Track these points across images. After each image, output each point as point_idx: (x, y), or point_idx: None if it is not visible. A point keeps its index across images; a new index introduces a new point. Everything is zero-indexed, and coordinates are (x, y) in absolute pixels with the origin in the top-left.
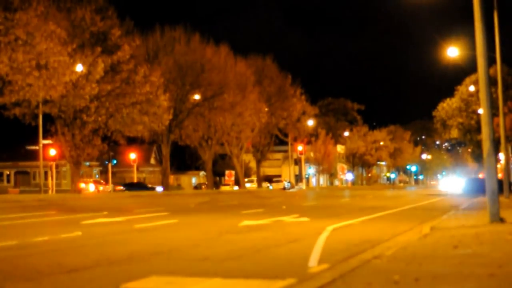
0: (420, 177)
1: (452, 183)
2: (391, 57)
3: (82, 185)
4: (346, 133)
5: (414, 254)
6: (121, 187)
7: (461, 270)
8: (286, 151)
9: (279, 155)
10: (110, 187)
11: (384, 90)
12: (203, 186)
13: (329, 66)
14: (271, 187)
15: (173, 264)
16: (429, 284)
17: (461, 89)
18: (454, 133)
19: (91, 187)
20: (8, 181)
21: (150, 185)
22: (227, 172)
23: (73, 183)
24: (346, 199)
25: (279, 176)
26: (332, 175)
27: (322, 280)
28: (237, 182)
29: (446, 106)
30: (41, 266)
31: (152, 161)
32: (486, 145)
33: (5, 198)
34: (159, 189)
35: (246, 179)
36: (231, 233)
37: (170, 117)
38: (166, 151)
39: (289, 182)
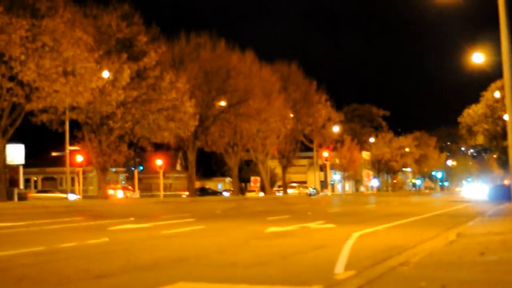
0: (446, 183)
1: (476, 190)
2: (416, 63)
3: (111, 192)
4: (372, 139)
5: (440, 261)
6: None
7: (488, 277)
8: (311, 157)
9: (304, 161)
10: (137, 193)
11: (409, 96)
12: (229, 192)
13: (354, 72)
14: (310, 192)
15: (200, 270)
16: None
17: (486, 95)
18: (480, 139)
19: (120, 194)
20: (36, 187)
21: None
22: (252, 178)
23: (100, 189)
24: (371, 205)
25: (305, 182)
26: (358, 181)
27: (349, 286)
28: (263, 188)
29: (472, 112)
30: (69, 271)
31: (178, 167)
32: None
33: (33, 204)
34: (226, 194)
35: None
36: (257, 239)
37: (196, 123)
38: (192, 157)
39: (314, 188)
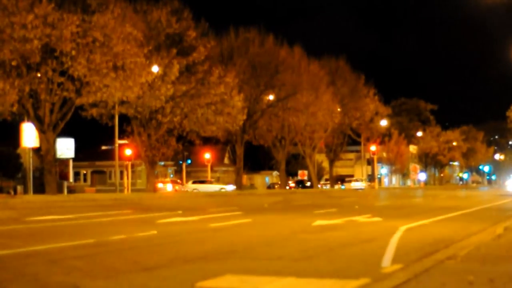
0: (493, 177)
1: None
2: (464, 57)
3: (160, 185)
4: (419, 133)
5: (488, 255)
6: (294, 185)
7: None
8: (358, 151)
9: (351, 155)
10: (185, 186)
11: (457, 90)
12: (276, 186)
13: (402, 66)
14: (361, 185)
15: (247, 263)
16: (504, 285)
17: None
18: None
19: (169, 187)
20: (85, 180)
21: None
22: (300, 172)
23: (148, 183)
24: (418, 199)
25: (352, 176)
26: (405, 175)
27: (396, 280)
28: (310, 181)
29: None
30: (118, 264)
31: (226, 160)
32: None
33: (82, 197)
34: (326, 187)
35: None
36: (304, 233)
37: (244, 117)
38: (240, 151)
39: (361, 180)
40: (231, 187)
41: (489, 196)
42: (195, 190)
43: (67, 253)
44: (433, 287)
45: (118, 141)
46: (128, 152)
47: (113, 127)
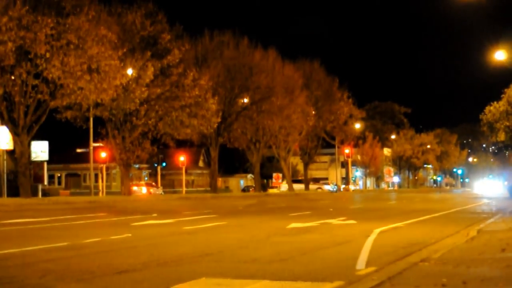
0: (467, 180)
1: (490, 187)
2: (438, 61)
3: (135, 188)
4: (393, 136)
5: (461, 257)
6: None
7: (509, 273)
8: (333, 154)
9: (326, 158)
10: (160, 189)
11: (431, 94)
12: (251, 189)
13: (376, 69)
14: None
15: (222, 266)
16: (477, 287)
17: (508, 92)
18: (501, 136)
19: (143, 190)
20: (59, 183)
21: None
22: (274, 174)
23: (123, 185)
24: (392, 202)
25: (326, 178)
26: (379, 178)
27: (370, 282)
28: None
29: (493, 109)
30: (92, 267)
31: (201, 163)
32: None
33: (56, 200)
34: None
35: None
36: (279, 235)
37: (219, 120)
38: (214, 153)
39: (335, 184)
40: (334, 187)
41: (462, 198)
42: None
43: (41, 256)
44: None
45: (93, 144)
46: (103, 154)
47: (87, 129)
